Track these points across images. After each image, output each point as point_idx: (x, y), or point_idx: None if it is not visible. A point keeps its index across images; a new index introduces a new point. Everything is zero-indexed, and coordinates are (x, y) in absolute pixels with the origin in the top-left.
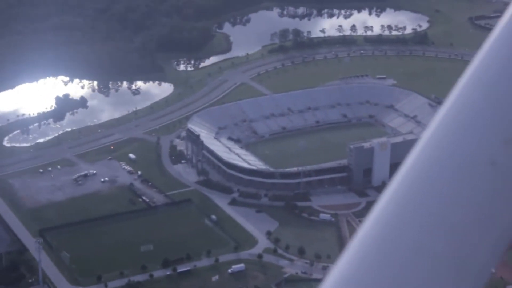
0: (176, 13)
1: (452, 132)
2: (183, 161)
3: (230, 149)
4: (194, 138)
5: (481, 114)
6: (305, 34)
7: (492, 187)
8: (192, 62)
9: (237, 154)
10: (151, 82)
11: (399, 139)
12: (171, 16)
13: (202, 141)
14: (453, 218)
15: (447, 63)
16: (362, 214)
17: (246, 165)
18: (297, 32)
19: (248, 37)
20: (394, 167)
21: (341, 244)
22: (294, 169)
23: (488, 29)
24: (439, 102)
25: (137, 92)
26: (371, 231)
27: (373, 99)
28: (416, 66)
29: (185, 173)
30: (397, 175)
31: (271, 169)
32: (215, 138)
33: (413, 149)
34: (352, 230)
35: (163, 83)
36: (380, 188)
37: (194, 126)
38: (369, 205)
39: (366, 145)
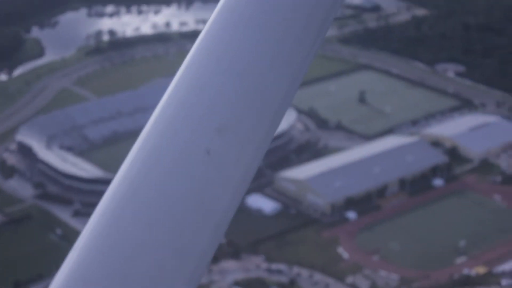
0: None
1: (169, 124)
2: (16, 176)
3: (64, 159)
4: (25, 150)
5: (195, 104)
6: (120, 33)
7: (207, 175)
8: (5, 70)
9: (72, 163)
10: None
11: None
12: None
13: (35, 153)
14: (172, 209)
15: None
16: None
17: (84, 174)
18: (112, 32)
19: (60, 41)
20: None
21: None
22: None
23: None
24: None
25: None
26: (93, 231)
27: None
28: None
29: (20, 188)
30: (118, 173)
31: (111, 176)
32: (46, 148)
33: (135, 143)
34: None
35: None
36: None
37: (23, 138)
38: None
39: None
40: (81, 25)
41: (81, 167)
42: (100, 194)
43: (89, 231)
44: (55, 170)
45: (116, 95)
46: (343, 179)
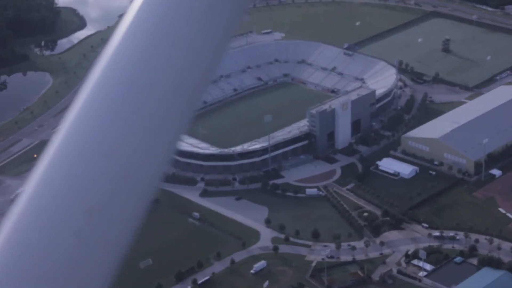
0: None
1: (37, 206)
2: None
3: None
4: None
5: (63, 185)
6: None
7: (77, 258)
8: (51, 44)
9: None
10: (19, 73)
11: (354, 95)
12: None
13: None
14: None
15: (321, 7)
16: (343, 182)
17: (202, 151)
18: None
19: (95, 9)
20: (353, 125)
21: (346, 218)
22: (258, 145)
23: None
24: (350, 48)
25: (3, 87)
26: None
27: (280, 56)
28: (293, 15)
29: None
30: None
31: (232, 150)
32: None
33: (3, 226)
34: (346, 201)
35: (34, 72)
36: (345, 150)
37: None
38: (344, 172)
39: (326, 107)
40: None
41: (189, 143)
42: (221, 169)
43: None
44: None
45: None
46: (479, 135)
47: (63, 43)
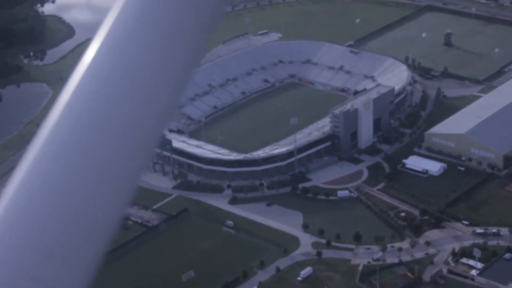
0: None
1: None
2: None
3: (186, 143)
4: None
5: (18, 229)
6: None
7: None
8: (41, 54)
9: (199, 146)
10: (13, 86)
11: (374, 94)
12: None
13: (171, 141)
14: None
15: (313, 5)
16: (373, 182)
17: (227, 157)
18: None
19: (79, 16)
20: (374, 124)
21: (382, 219)
22: (283, 149)
23: None
24: (356, 46)
25: None
26: None
27: (284, 57)
28: (286, 14)
29: (157, 181)
30: None
31: (258, 155)
32: None
33: None
34: (379, 202)
35: (29, 84)
36: (368, 150)
37: None
38: (371, 171)
39: (349, 107)
40: None
41: (209, 150)
42: (247, 175)
43: None
44: (192, 156)
45: (200, 67)
46: (504, 128)
47: (53, 52)
